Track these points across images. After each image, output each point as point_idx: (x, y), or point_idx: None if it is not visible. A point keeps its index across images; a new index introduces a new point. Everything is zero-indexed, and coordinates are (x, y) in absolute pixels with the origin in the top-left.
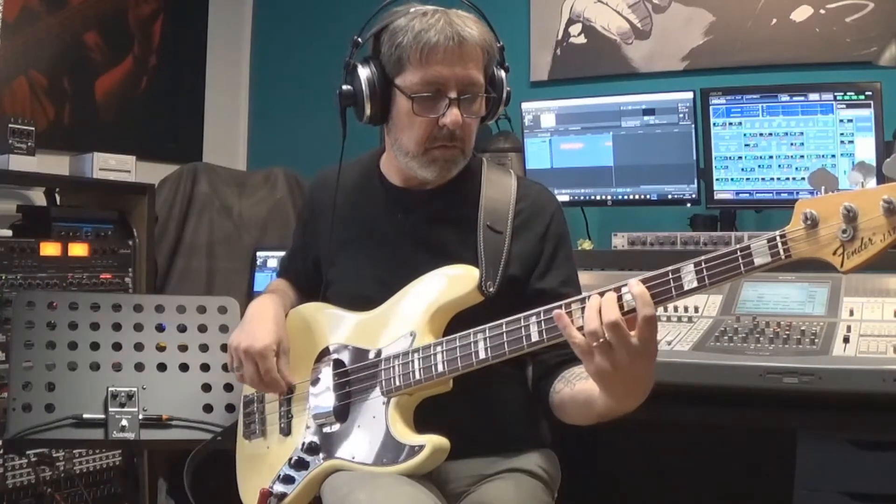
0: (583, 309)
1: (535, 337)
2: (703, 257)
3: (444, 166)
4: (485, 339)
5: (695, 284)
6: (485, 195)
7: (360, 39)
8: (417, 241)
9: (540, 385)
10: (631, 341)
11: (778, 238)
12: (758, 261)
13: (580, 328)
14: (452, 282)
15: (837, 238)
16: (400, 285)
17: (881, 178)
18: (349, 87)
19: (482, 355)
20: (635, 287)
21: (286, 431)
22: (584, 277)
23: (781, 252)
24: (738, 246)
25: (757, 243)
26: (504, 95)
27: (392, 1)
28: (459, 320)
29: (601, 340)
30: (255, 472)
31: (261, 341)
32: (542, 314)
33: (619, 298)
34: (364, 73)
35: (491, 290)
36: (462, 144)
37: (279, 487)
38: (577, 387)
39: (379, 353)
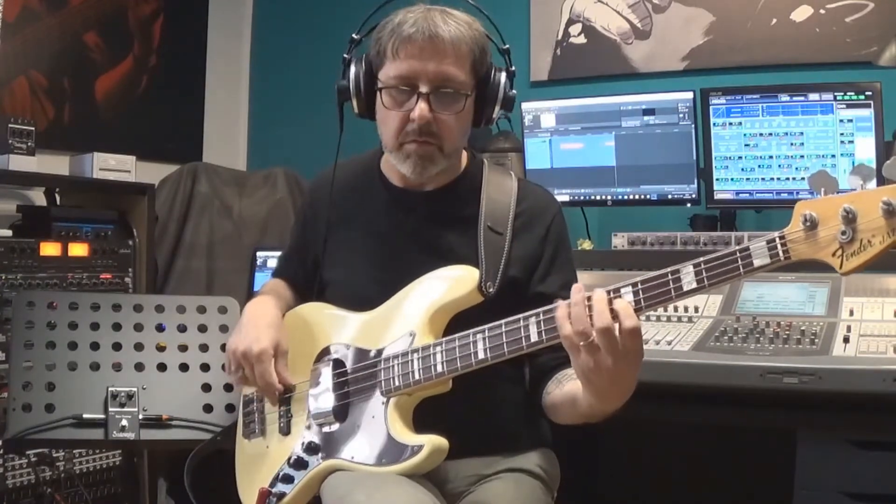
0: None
1: (534, 337)
2: (702, 258)
3: (418, 162)
4: (484, 339)
5: (694, 285)
6: (485, 196)
7: (356, 37)
8: (418, 241)
9: (535, 387)
10: (618, 347)
11: (777, 239)
12: (757, 262)
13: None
14: (453, 282)
15: (837, 240)
16: (400, 286)
17: (881, 180)
18: (344, 82)
19: (481, 356)
20: (619, 301)
21: (285, 431)
22: (584, 277)
23: (781, 253)
24: (737, 247)
25: (756, 244)
26: (500, 96)
27: (389, 0)
28: (459, 321)
29: (590, 341)
30: (254, 471)
31: (258, 345)
32: (541, 314)
33: (610, 302)
34: (354, 68)
35: (491, 290)
36: (438, 141)
37: (278, 487)
38: (565, 387)
39: (378, 353)
